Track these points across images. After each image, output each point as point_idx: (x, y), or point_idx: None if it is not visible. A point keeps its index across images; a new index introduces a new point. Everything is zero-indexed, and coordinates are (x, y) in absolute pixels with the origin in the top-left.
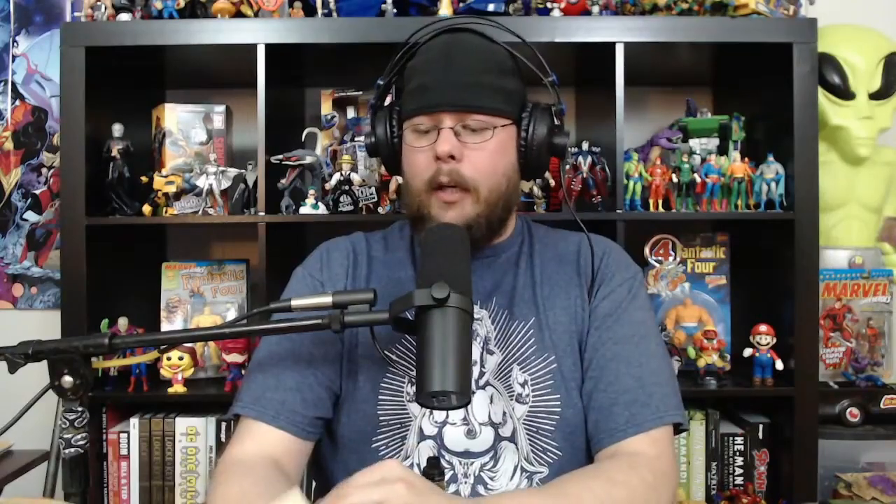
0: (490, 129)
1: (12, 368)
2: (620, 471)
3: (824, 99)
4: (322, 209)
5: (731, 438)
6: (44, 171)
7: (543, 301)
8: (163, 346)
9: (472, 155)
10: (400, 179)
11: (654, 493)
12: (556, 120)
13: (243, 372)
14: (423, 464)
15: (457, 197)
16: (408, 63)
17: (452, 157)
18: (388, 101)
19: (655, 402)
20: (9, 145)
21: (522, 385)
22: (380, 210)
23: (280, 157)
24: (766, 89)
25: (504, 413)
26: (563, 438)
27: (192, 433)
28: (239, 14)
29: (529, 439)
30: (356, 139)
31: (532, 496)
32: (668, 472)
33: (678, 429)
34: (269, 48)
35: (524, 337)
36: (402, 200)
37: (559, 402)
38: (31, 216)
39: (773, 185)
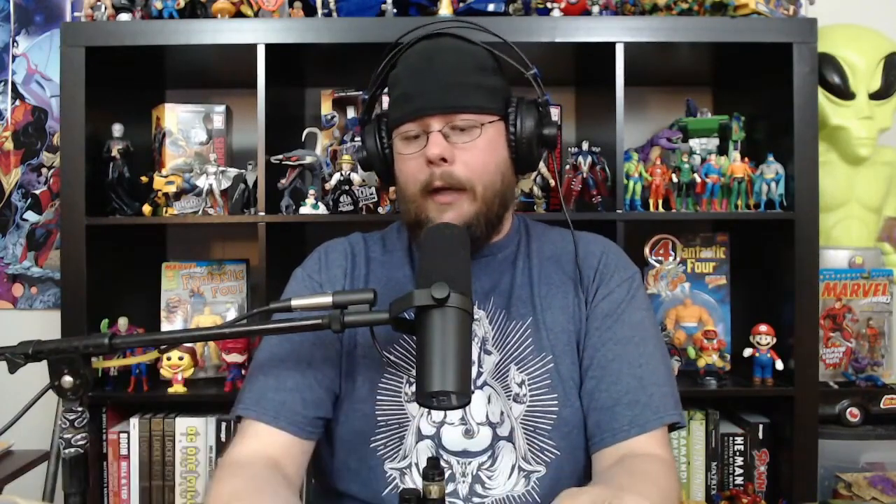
0: (478, 126)
1: (12, 368)
2: (664, 475)
3: (824, 99)
4: (322, 209)
5: (730, 438)
6: (44, 171)
7: (541, 301)
8: (163, 346)
9: (463, 155)
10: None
11: (678, 495)
12: (542, 112)
13: (243, 372)
14: (422, 464)
15: (453, 198)
16: (390, 73)
17: (444, 160)
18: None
19: (655, 402)
20: (9, 145)
21: (520, 385)
22: (380, 210)
23: (280, 157)
24: (766, 89)
25: (502, 413)
26: (561, 438)
27: (192, 433)
28: (239, 14)
29: (527, 439)
30: (356, 139)
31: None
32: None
33: (674, 426)
34: (269, 48)
35: (521, 337)
36: (399, 208)
37: (556, 402)
38: (31, 216)
39: (773, 185)
